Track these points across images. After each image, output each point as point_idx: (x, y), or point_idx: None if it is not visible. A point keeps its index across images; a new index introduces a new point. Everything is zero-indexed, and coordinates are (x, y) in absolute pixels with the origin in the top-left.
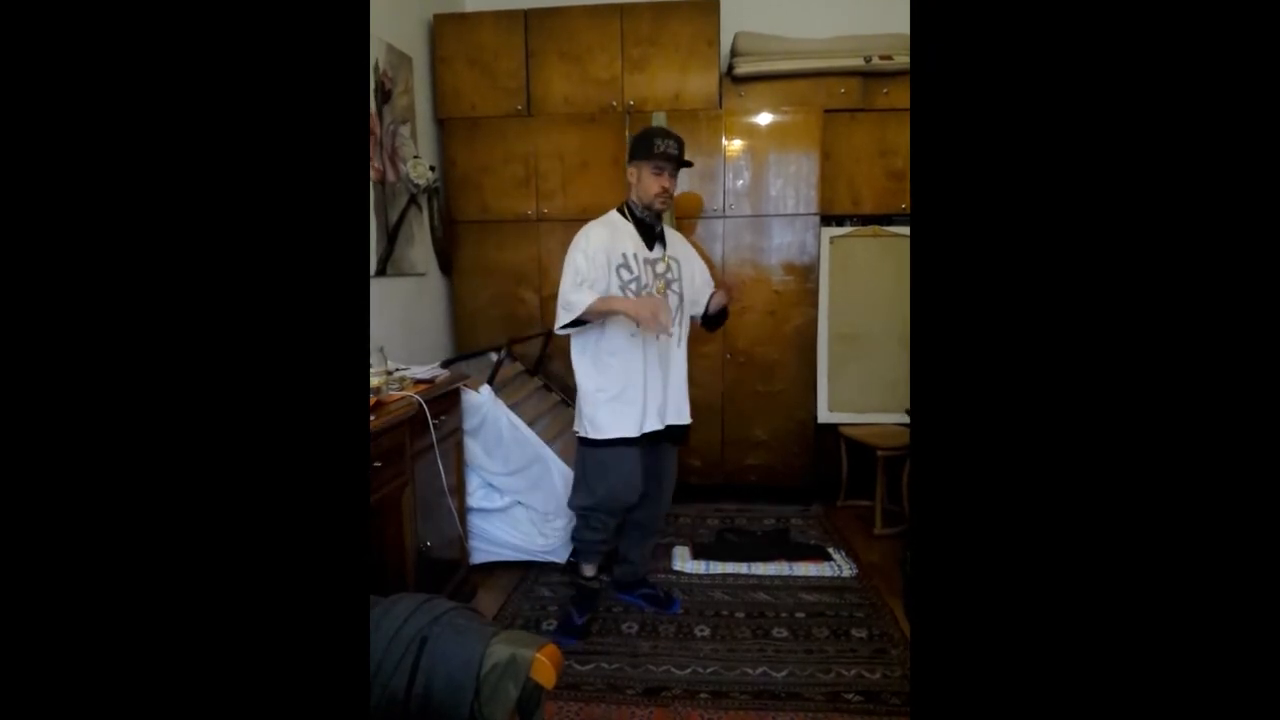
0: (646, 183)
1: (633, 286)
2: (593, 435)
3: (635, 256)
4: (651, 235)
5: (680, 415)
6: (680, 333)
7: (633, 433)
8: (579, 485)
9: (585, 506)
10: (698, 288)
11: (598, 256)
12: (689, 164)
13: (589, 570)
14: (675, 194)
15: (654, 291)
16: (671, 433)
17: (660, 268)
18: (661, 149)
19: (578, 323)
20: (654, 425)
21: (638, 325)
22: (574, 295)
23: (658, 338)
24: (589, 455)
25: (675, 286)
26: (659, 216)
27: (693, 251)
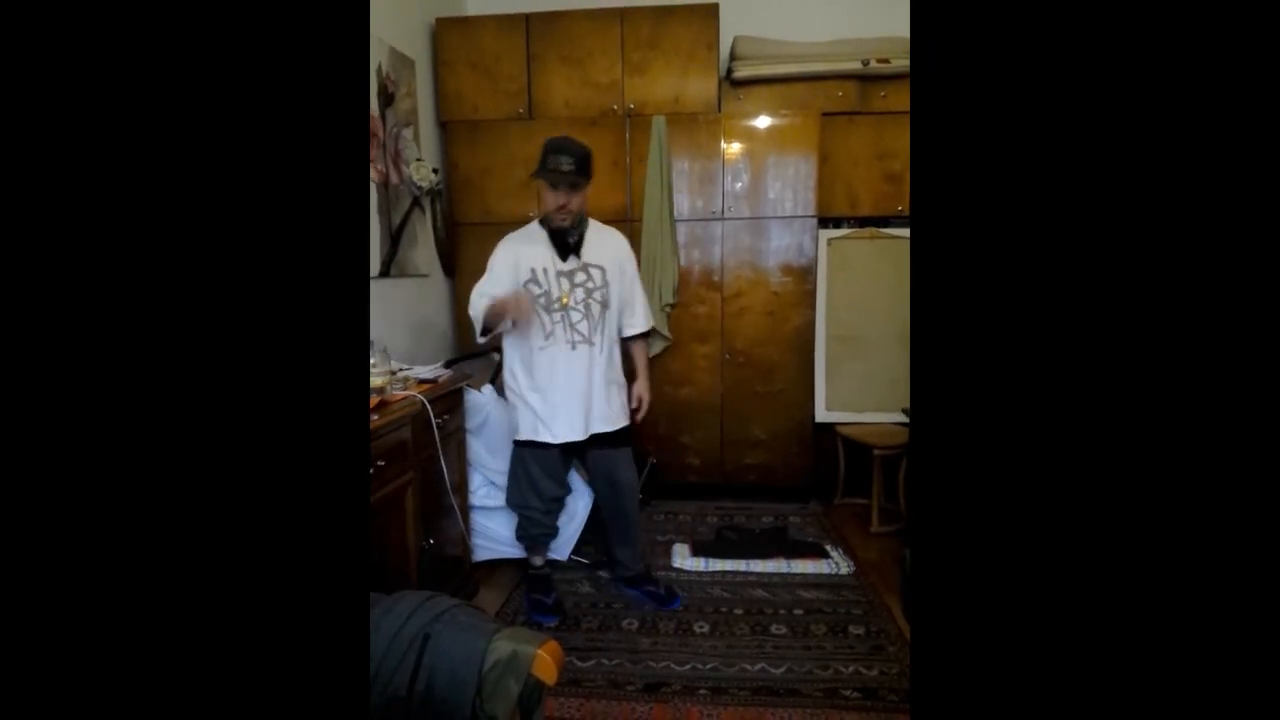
0: (545, 199)
1: (541, 300)
2: (515, 436)
3: (545, 271)
4: (566, 247)
5: (606, 423)
6: (602, 340)
7: (546, 439)
8: (510, 480)
9: (518, 504)
10: (624, 292)
11: (503, 272)
12: (588, 179)
13: (538, 560)
14: (577, 207)
15: (570, 303)
16: (600, 439)
17: (579, 278)
18: (552, 165)
19: (490, 330)
20: (573, 435)
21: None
22: (472, 310)
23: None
24: (515, 452)
25: (597, 295)
26: (574, 227)
27: (624, 255)
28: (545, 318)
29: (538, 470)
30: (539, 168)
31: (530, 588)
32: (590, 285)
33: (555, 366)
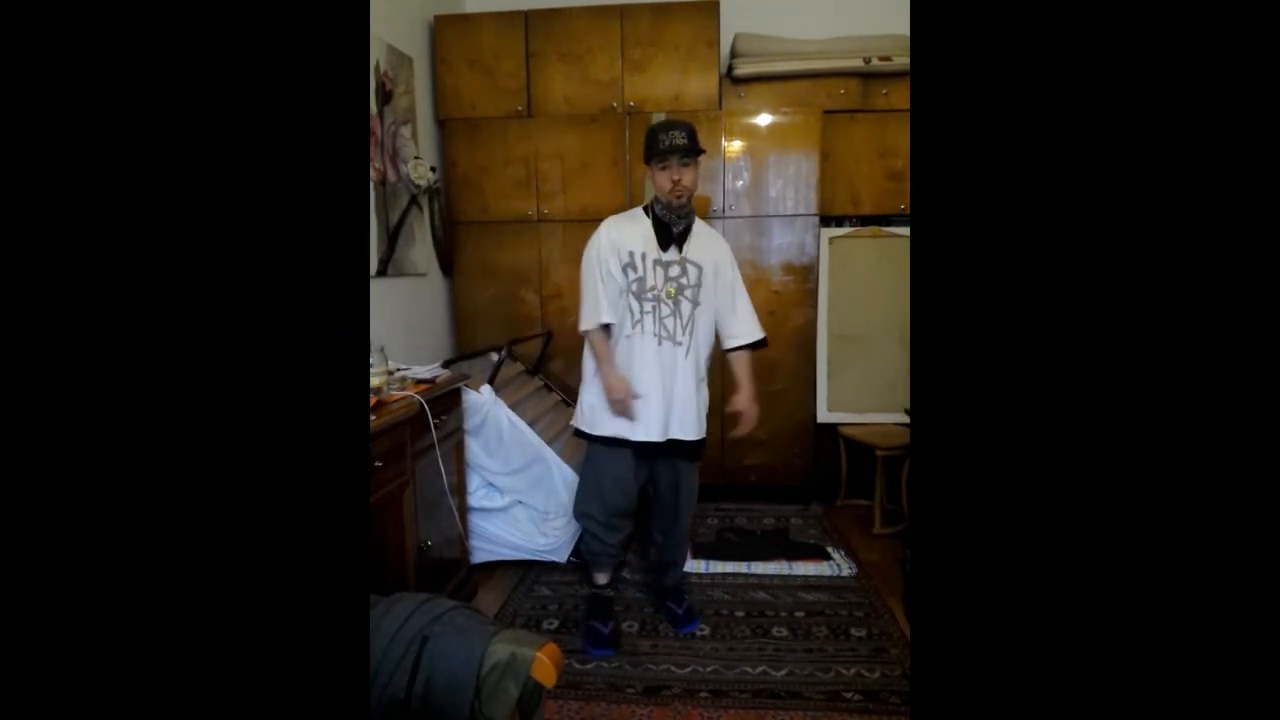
0: (659, 181)
1: (634, 287)
2: (584, 429)
3: (643, 256)
4: (669, 236)
5: (685, 430)
6: (690, 342)
7: (625, 435)
8: (581, 486)
9: (580, 511)
10: (721, 298)
11: (608, 259)
12: (700, 150)
13: (601, 579)
14: (690, 182)
15: (661, 295)
16: (676, 447)
17: (674, 271)
18: (666, 144)
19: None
20: (652, 435)
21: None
22: (586, 322)
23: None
24: (589, 451)
25: (688, 293)
26: (681, 216)
27: (725, 259)
28: (636, 305)
29: (607, 476)
30: (648, 152)
31: (589, 612)
32: (684, 282)
33: (639, 359)
